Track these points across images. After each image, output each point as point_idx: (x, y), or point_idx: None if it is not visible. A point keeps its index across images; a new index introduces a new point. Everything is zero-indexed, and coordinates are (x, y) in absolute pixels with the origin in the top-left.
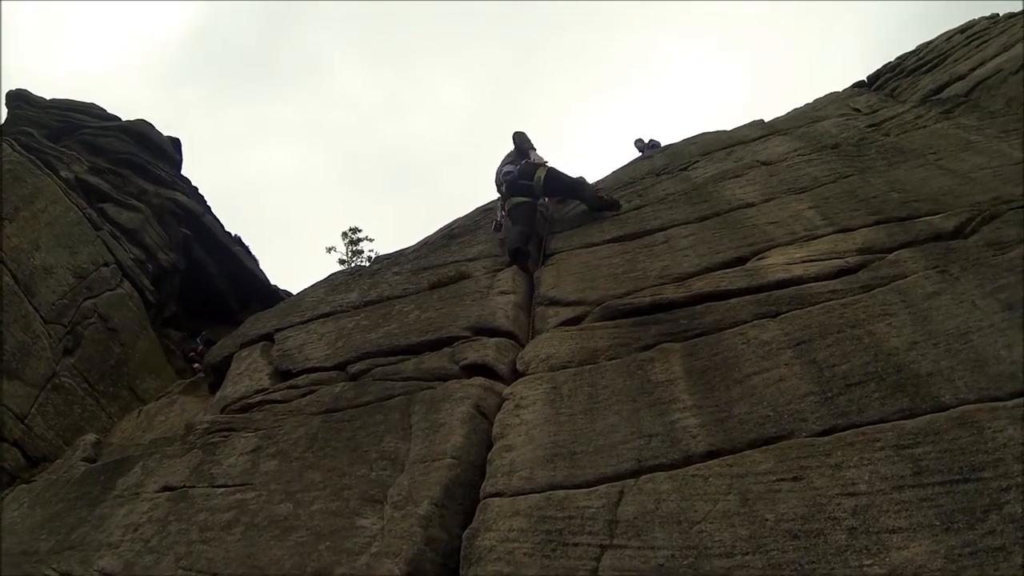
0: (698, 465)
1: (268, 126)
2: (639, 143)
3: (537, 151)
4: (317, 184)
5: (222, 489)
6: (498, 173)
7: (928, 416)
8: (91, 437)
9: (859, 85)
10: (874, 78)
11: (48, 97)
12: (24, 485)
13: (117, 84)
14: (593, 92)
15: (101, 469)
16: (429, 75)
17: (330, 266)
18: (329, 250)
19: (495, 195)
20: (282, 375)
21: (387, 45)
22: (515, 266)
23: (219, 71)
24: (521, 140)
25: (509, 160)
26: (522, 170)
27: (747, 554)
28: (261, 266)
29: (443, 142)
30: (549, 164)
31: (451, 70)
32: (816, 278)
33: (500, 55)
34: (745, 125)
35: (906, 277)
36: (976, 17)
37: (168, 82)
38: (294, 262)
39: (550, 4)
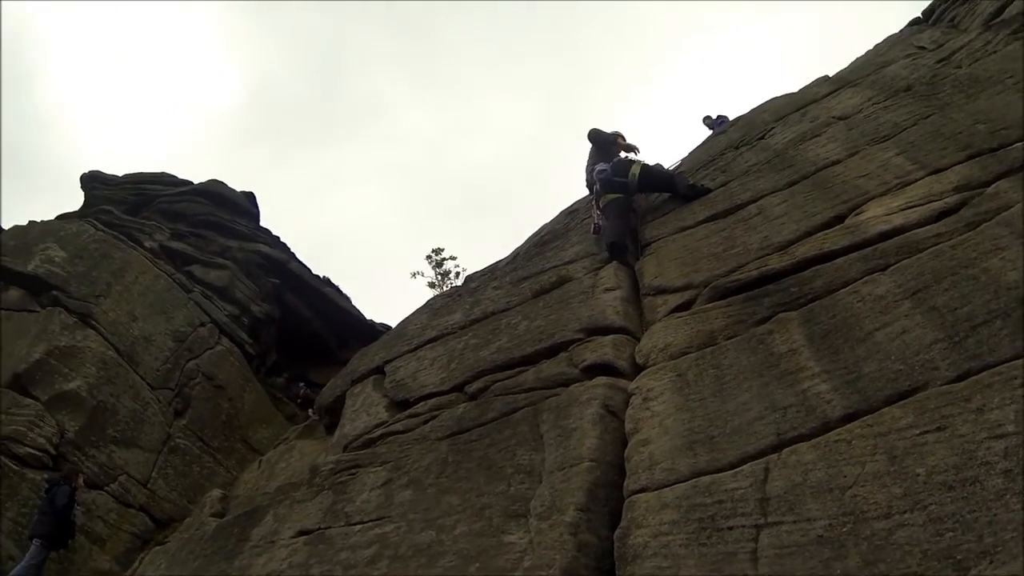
0: (838, 430)
1: (338, 173)
2: (707, 120)
3: (623, 138)
4: (395, 220)
5: (359, 526)
6: (589, 172)
7: None
8: (217, 493)
9: (915, 22)
10: (929, 12)
11: (120, 174)
12: (158, 547)
13: (184, 160)
14: (649, 79)
15: (233, 522)
16: (487, 100)
17: (420, 293)
18: (415, 275)
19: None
20: (399, 405)
21: (440, 78)
22: (615, 261)
23: (281, 130)
24: (599, 136)
25: (595, 157)
26: (616, 168)
27: (905, 512)
28: (354, 303)
29: (511, 160)
30: (639, 159)
31: (508, 92)
32: (918, 224)
33: (552, 65)
34: (811, 83)
35: (1010, 208)
36: None
37: (234, 147)
38: (385, 296)
39: (587, 7)
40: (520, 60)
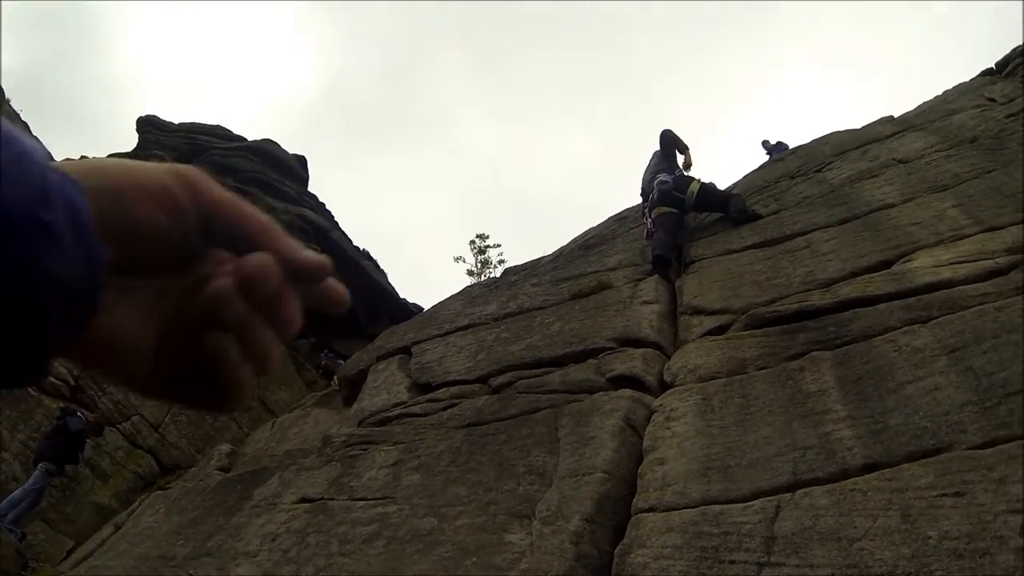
0: (855, 479)
1: (398, 176)
2: (766, 144)
3: (689, 149)
4: (447, 229)
5: (362, 502)
6: (648, 180)
7: None
8: (226, 447)
9: (988, 73)
10: (1003, 64)
11: (176, 121)
12: (160, 492)
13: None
14: (713, 114)
15: (237, 479)
16: (553, 126)
17: (458, 279)
18: (457, 259)
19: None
20: (421, 388)
21: (509, 99)
22: (657, 275)
23: (349, 127)
24: (669, 140)
25: (658, 165)
26: (677, 183)
27: (910, 574)
28: (390, 280)
29: (567, 188)
30: (699, 178)
31: (573, 119)
32: (966, 280)
33: (618, 98)
34: (876, 122)
35: None
36: None
37: (303, 138)
38: (424, 284)
39: (661, 42)
40: (589, 95)
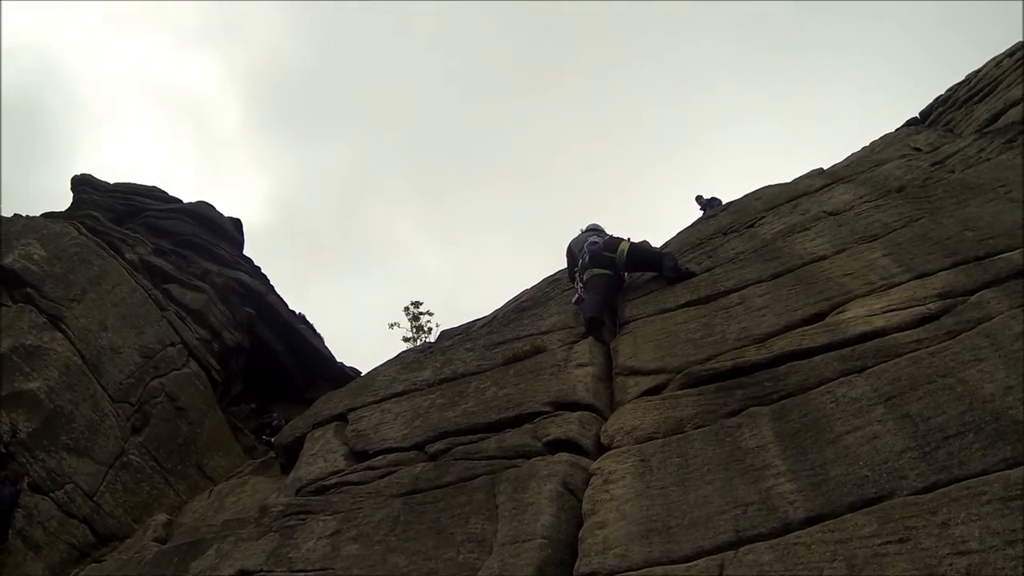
0: (798, 532)
1: (344, 303)
2: (700, 199)
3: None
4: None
5: (301, 574)
6: (579, 244)
7: None
8: (162, 517)
9: (912, 123)
10: (927, 113)
11: (112, 182)
12: (95, 564)
13: None
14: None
15: (174, 551)
16: (496, 262)
17: (394, 345)
18: (392, 326)
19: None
20: (358, 456)
21: (458, 228)
22: (591, 337)
23: (298, 253)
24: (599, 228)
25: (593, 231)
26: (607, 243)
27: None
28: (327, 344)
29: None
30: (628, 239)
31: (516, 258)
32: (899, 328)
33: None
34: (806, 175)
35: (992, 319)
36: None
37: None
38: (359, 347)
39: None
40: (530, 228)
